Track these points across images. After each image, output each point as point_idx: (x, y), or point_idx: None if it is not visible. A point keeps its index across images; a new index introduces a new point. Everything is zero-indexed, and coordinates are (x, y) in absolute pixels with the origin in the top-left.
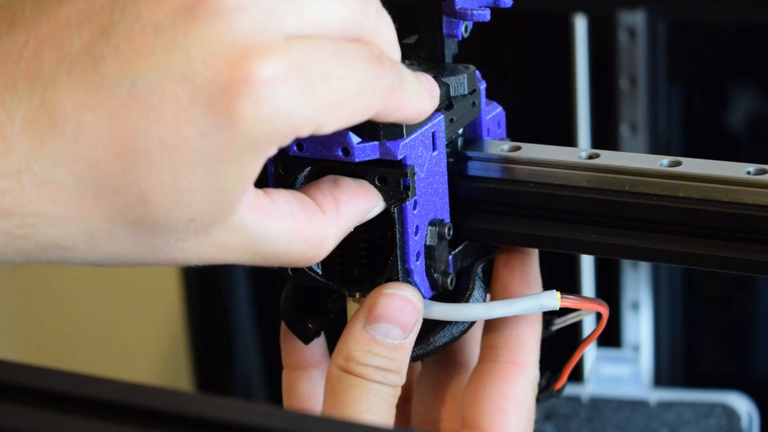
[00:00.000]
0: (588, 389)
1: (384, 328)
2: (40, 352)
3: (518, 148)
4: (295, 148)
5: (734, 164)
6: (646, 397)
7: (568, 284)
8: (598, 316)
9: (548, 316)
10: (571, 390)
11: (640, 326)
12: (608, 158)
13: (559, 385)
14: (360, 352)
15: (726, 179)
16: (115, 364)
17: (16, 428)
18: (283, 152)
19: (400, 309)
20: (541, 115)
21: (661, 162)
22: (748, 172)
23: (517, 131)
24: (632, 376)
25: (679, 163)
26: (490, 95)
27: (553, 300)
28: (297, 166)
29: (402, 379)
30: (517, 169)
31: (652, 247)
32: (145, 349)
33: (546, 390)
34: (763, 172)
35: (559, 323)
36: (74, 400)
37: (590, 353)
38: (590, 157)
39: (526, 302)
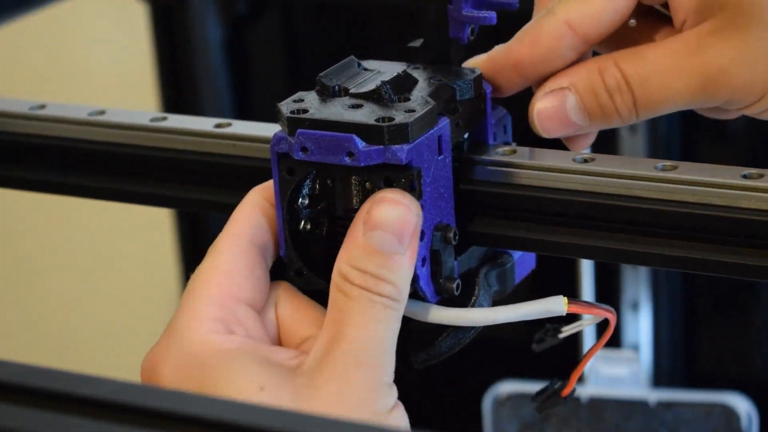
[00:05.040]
0: (587, 389)
1: (379, 236)
2: (40, 352)
3: (514, 152)
4: (300, 153)
5: (730, 168)
6: (645, 398)
7: (568, 284)
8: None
9: (555, 324)
10: None
11: (639, 326)
12: (603, 162)
13: (566, 391)
14: (358, 259)
15: (722, 183)
16: (115, 364)
17: (16, 428)
18: (287, 156)
19: (395, 216)
20: None
21: (656, 165)
22: (744, 176)
23: (516, 132)
24: (632, 376)
25: (674, 167)
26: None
27: (560, 305)
28: (301, 169)
29: (399, 294)
30: (513, 173)
31: (648, 251)
32: (145, 349)
33: (553, 397)
34: (758, 176)
35: (567, 331)
36: (74, 400)
37: None
38: (585, 160)
39: (532, 307)
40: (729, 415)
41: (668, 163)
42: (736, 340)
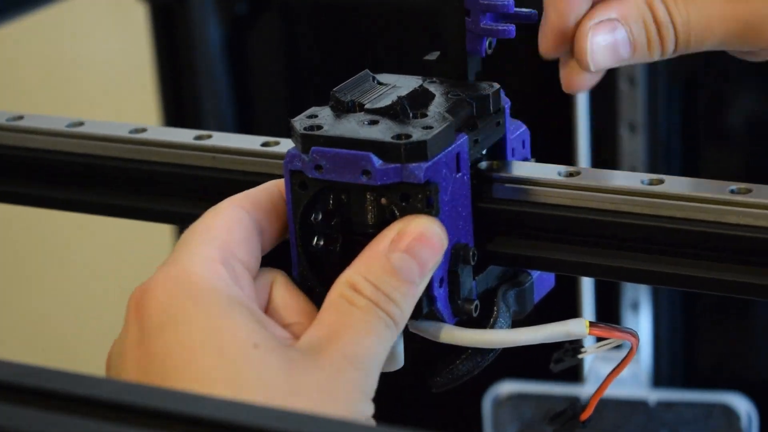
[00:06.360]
0: (587, 389)
1: (404, 261)
2: (40, 352)
3: (500, 166)
4: (314, 171)
5: (717, 183)
6: (645, 398)
7: (568, 285)
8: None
9: (575, 345)
10: (570, 390)
11: (639, 326)
12: (589, 176)
13: (585, 415)
14: (375, 274)
15: (709, 198)
16: None
17: (16, 428)
18: (300, 174)
19: (425, 246)
20: (541, 116)
21: (642, 180)
22: (732, 191)
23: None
24: (632, 376)
25: (661, 182)
26: None
27: (581, 328)
28: (315, 184)
29: (401, 320)
30: (531, 190)
31: (634, 267)
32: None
33: (572, 421)
34: (746, 191)
35: (587, 352)
36: (74, 400)
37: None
38: (570, 174)
39: (553, 329)
40: (729, 415)
41: (654, 177)
42: (736, 340)
